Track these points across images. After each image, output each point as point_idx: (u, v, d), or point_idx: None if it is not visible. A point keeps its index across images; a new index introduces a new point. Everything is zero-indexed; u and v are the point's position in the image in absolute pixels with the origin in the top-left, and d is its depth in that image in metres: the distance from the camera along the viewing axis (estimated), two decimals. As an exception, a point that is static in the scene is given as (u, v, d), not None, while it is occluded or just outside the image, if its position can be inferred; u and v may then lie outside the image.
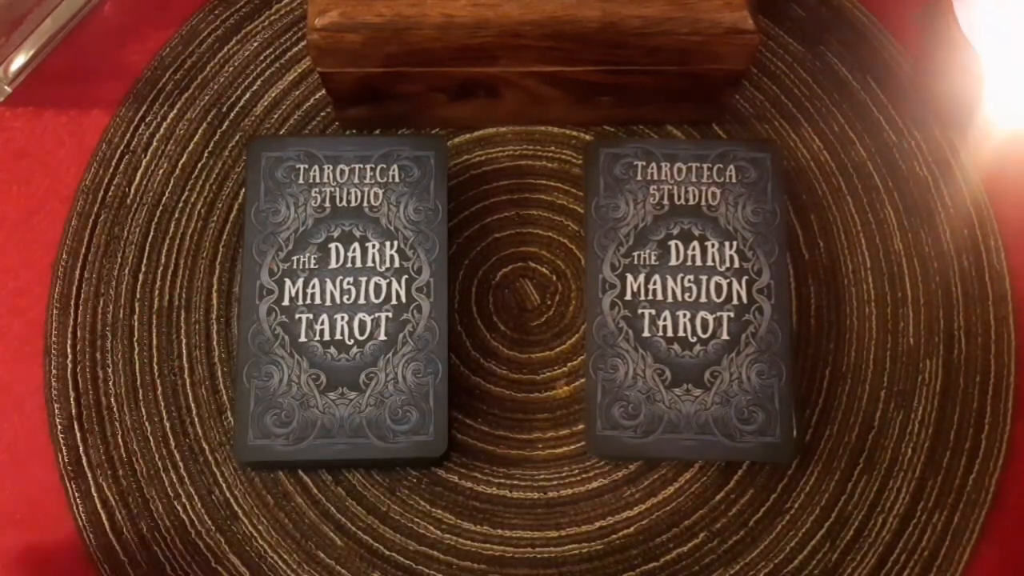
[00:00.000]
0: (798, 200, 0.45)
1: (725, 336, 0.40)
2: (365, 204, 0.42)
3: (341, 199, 0.42)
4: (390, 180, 0.42)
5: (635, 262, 0.41)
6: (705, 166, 0.42)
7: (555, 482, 0.43)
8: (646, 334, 0.41)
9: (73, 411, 0.43)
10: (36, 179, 0.46)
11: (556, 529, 0.42)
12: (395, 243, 0.41)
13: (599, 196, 0.42)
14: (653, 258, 0.41)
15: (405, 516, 0.42)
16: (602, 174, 0.42)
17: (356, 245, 0.41)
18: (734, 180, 0.42)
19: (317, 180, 0.42)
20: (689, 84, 0.43)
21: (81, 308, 0.44)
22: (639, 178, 0.42)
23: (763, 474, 0.43)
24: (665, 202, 0.42)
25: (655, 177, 0.42)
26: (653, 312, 0.41)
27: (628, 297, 0.41)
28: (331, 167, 0.42)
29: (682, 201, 0.42)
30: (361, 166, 0.42)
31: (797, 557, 0.42)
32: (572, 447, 0.43)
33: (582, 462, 0.43)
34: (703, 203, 0.42)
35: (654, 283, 0.41)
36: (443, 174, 0.42)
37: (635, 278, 0.41)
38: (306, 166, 0.42)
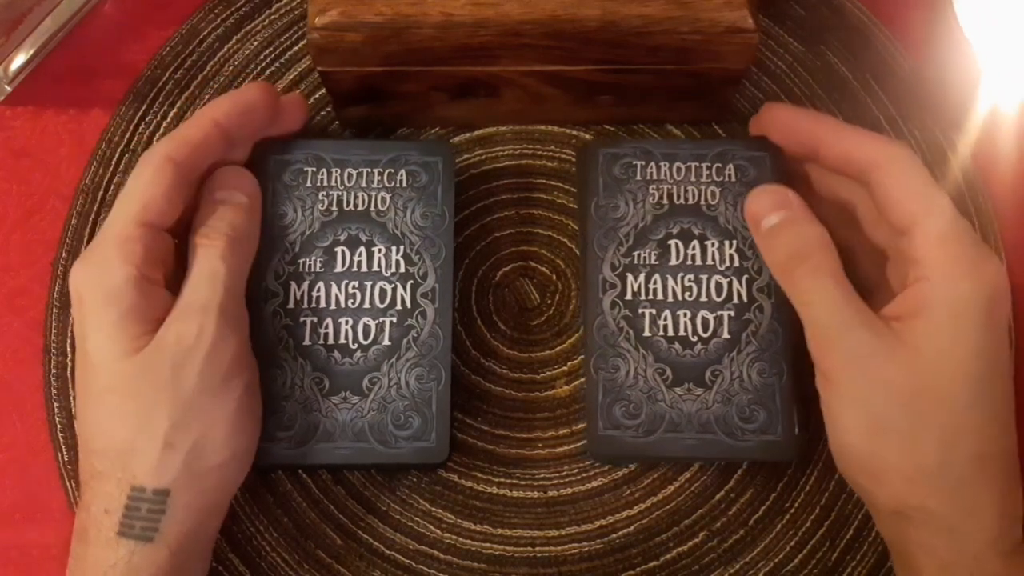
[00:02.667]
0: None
1: (726, 335, 0.40)
2: (372, 208, 0.42)
3: (348, 203, 0.42)
4: (397, 185, 0.42)
5: (635, 262, 0.41)
6: (704, 165, 0.42)
7: (555, 481, 0.43)
8: (647, 333, 0.41)
9: (73, 411, 0.43)
10: (36, 178, 0.46)
11: (556, 528, 0.42)
12: (401, 248, 0.41)
13: (599, 196, 0.42)
14: (653, 258, 0.41)
15: (405, 515, 0.42)
16: (601, 174, 0.42)
17: (362, 249, 0.41)
18: (733, 179, 0.42)
19: (324, 183, 0.42)
20: (689, 83, 0.43)
21: (81, 307, 0.44)
22: (638, 178, 0.42)
23: (763, 473, 0.43)
24: (665, 201, 0.42)
25: (654, 177, 0.42)
26: (654, 311, 0.41)
27: (628, 297, 0.41)
28: (339, 171, 0.42)
29: (682, 200, 0.42)
30: (369, 170, 0.42)
31: (797, 556, 0.42)
32: (572, 446, 0.43)
33: (582, 461, 0.43)
34: (703, 202, 0.42)
35: (654, 282, 0.41)
36: (450, 180, 0.42)
37: (635, 278, 0.41)
38: (313, 169, 0.42)
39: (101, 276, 0.36)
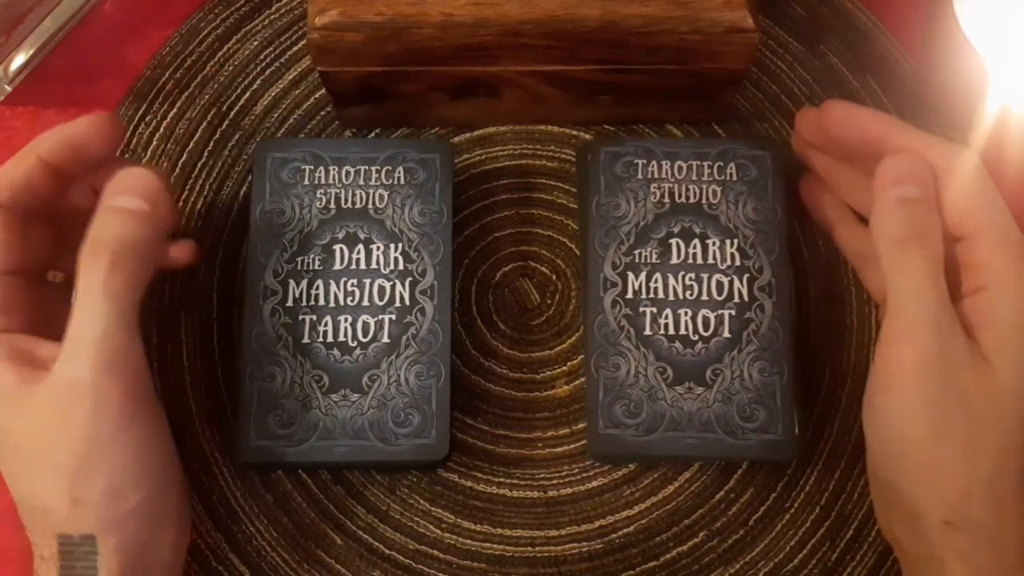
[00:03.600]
0: (798, 199, 0.45)
1: (726, 334, 0.40)
2: (370, 206, 0.42)
3: (346, 200, 0.42)
4: (395, 182, 0.42)
5: (636, 260, 0.41)
6: (706, 164, 0.42)
7: (555, 481, 0.43)
8: (647, 332, 0.41)
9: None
10: (36, 178, 0.46)
11: (556, 528, 0.42)
12: (399, 245, 0.41)
13: (600, 195, 0.42)
14: (654, 256, 0.41)
15: (405, 515, 0.42)
16: (603, 173, 0.42)
17: (360, 247, 0.41)
18: (735, 178, 0.42)
19: (322, 181, 0.42)
20: (689, 83, 0.43)
21: (81, 307, 0.44)
22: (640, 176, 0.42)
23: (763, 473, 0.43)
24: (666, 200, 0.42)
25: (656, 175, 0.42)
26: (654, 310, 0.41)
27: (629, 295, 0.41)
28: (336, 168, 0.42)
29: (683, 199, 0.42)
30: (366, 168, 0.42)
31: (797, 556, 0.42)
32: (572, 446, 0.43)
33: (582, 461, 0.43)
34: (704, 201, 0.42)
35: (655, 281, 0.41)
36: (448, 177, 0.42)
37: (636, 276, 0.41)
38: (311, 167, 0.42)
39: None
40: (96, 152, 0.38)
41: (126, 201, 0.36)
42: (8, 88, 0.47)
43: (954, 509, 0.35)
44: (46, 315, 0.37)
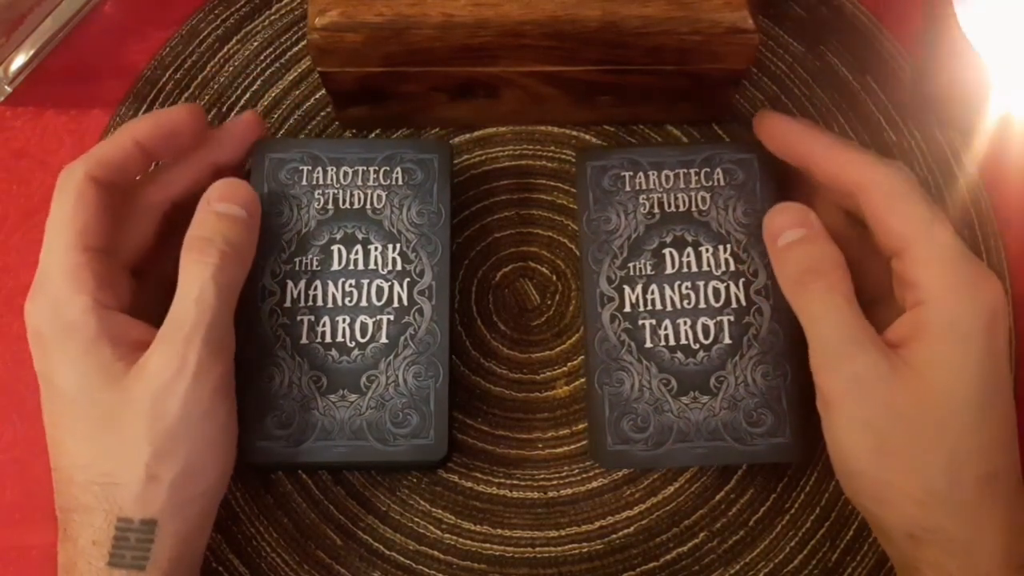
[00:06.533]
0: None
1: (727, 340, 0.40)
2: (368, 206, 0.42)
3: (344, 201, 0.42)
4: (393, 183, 0.42)
5: (631, 273, 0.41)
6: (692, 171, 0.42)
7: (555, 482, 0.43)
8: (648, 345, 0.40)
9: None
10: (36, 179, 0.46)
11: (556, 529, 0.42)
12: (397, 246, 0.41)
13: (589, 210, 0.42)
14: (649, 268, 0.41)
15: (405, 516, 0.42)
16: (590, 188, 0.42)
17: (358, 247, 0.41)
18: (722, 183, 0.42)
19: (320, 182, 0.42)
20: (689, 84, 0.43)
21: (81, 308, 0.44)
22: (627, 189, 0.42)
23: (763, 474, 0.43)
24: (656, 211, 0.42)
25: (643, 186, 0.42)
26: (654, 322, 0.41)
27: (627, 309, 0.41)
28: (334, 169, 0.42)
29: (672, 208, 0.42)
30: (364, 168, 0.42)
31: (797, 557, 0.42)
32: (572, 447, 0.43)
33: (582, 462, 0.43)
34: (693, 208, 0.42)
35: (652, 293, 0.41)
36: (446, 177, 0.42)
37: (632, 289, 0.41)
38: (309, 168, 0.42)
39: (57, 309, 0.36)
40: (188, 139, 0.41)
41: (227, 208, 0.38)
42: (8, 89, 0.48)
43: (914, 523, 0.34)
44: (130, 300, 0.38)
